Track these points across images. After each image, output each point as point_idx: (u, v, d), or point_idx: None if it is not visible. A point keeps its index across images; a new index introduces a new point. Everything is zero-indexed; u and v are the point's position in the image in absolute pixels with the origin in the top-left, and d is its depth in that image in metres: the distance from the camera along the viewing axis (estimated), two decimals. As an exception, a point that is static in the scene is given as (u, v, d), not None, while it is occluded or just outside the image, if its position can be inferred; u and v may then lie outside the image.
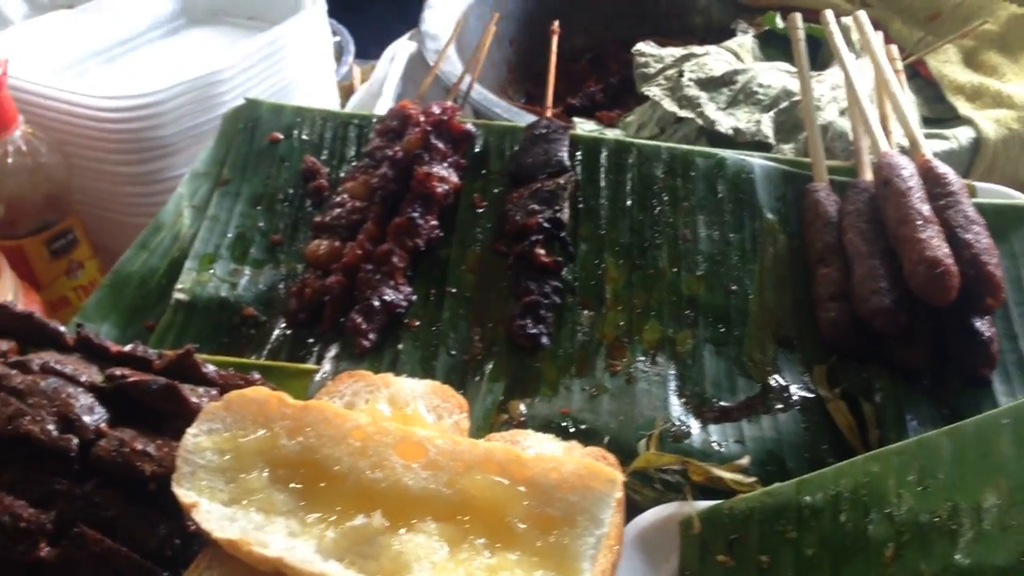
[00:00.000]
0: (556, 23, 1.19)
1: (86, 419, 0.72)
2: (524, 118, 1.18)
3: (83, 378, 0.76)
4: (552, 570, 0.63)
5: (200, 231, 1.04)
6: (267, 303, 0.99)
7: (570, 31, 1.15)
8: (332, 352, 0.93)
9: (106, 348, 0.80)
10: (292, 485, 0.68)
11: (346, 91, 1.55)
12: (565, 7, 1.74)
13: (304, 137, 1.14)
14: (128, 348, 0.81)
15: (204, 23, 1.45)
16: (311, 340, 0.95)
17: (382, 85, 1.46)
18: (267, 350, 0.94)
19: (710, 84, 1.29)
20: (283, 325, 0.97)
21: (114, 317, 0.96)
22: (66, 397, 0.73)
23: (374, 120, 1.13)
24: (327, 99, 1.42)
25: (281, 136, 1.13)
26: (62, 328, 0.82)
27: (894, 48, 1.19)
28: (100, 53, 1.34)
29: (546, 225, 0.97)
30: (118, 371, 0.77)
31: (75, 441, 0.71)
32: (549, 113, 1.09)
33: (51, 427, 0.70)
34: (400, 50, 1.53)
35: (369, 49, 1.67)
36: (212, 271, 1.00)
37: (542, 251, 0.95)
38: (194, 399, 0.75)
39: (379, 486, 0.67)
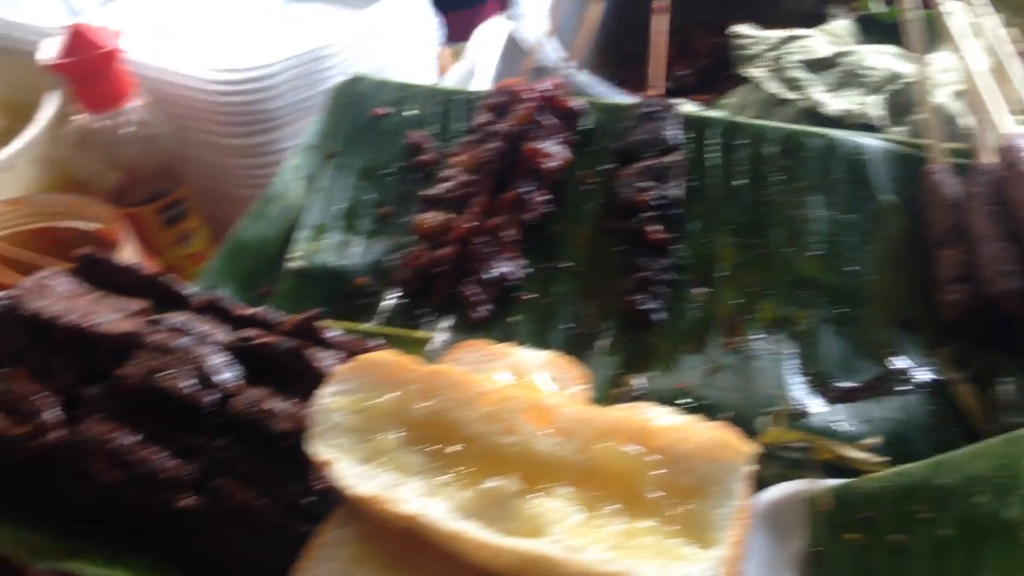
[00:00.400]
0: (662, 1, 1.18)
1: (221, 376, 0.74)
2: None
3: (215, 338, 0.78)
4: (687, 537, 0.63)
5: (311, 202, 1.05)
6: (378, 273, 1.00)
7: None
8: (445, 323, 0.94)
9: (232, 310, 0.82)
10: (423, 447, 0.69)
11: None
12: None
13: (409, 112, 1.14)
14: (253, 311, 0.82)
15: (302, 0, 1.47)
16: (423, 311, 0.96)
17: (476, 65, 1.46)
18: (381, 318, 0.95)
19: (815, 66, 1.28)
20: (394, 295, 0.98)
21: (231, 283, 0.98)
22: (201, 355, 0.74)
23: (480, 96, 1.14)
24: (425, 77, 1.43)
25: (387, 111, 1.14)
26: (187, 289, 0.84)
27: (1012, 32, 1.17)
28: (201, 28, 1.36)
29: (657, 203, 0.97)
30: (246, 332, 0.79)
31: (211, 397, 0.72)
32: (654, 92, 1.09)
33: (189, 383, 0.72)
34: (494, 31, 1.53)
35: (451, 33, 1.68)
36: (324, 241, 1.02)
37: (653, 228, 0.95)
38: (319, 362, 0.76)
39: (510, 451, 0.67)
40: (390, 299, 0.97)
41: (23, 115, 1.33)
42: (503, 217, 0.97)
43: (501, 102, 1.09)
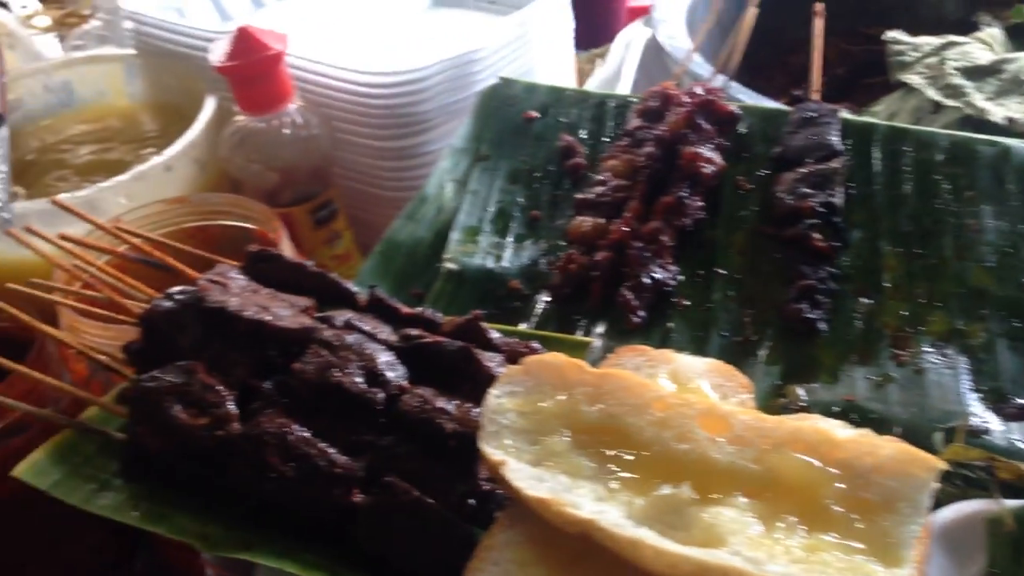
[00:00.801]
0: (821, 5, 1.16)
1: (389, 374, 0.74)
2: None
3: (381, 336, 0.79)
4: (872, 555, 0.61)
5: (463, 204, 1.06)
6: (530, 276, 1.00)
7: (789, 23, 1.12)
8: (600, 328, 0.94)
9: (397, 309, 0.83)
10: (594, 451, 0.68)
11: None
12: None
13: (559, 116, 1.14)
14: (418, 311, 0.83)
15: (447, 4, 1.48)
16: (577, 315, 0.95)
17: (619, 69, 1.46)
18: (533, 322, 0.95)
19: (976, 73, 1.23)
20: (547, 299, 0.97)
21: (385, 284, 0.99)
22: (370, 352, 0.75)
23: (631, 100, 1.13)
24: (566, 81, 1.43)
25: (537, 114, 1.14)
26: (353, 288, 0.85)
27: None
28: (348, 32, 1.38)
29: (820, 209, 0.94)
30: (413, 331, 0.79)
31: (382, 394, 0.73)
32: (816, 96, 1.06)
33: (359, 380, 0.73)
34: (635, 36, 1.53)
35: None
36: (477, 243, 1.02)
37: (817, 235, 0.93)
38: (487, 362, 0.76)
39: (685, 458, 0.66)
40: (543, 302, 0.97)
41: (176, 116, 1.38)
42: (658, 222, 0.96)
43: (655, 107, 1.07)
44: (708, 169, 0.99)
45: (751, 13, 1.13)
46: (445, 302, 0.97)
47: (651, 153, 1.01)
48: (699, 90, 1.06)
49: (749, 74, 1.78)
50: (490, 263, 1.00)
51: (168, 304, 0.76)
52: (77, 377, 0.98)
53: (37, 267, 0.96)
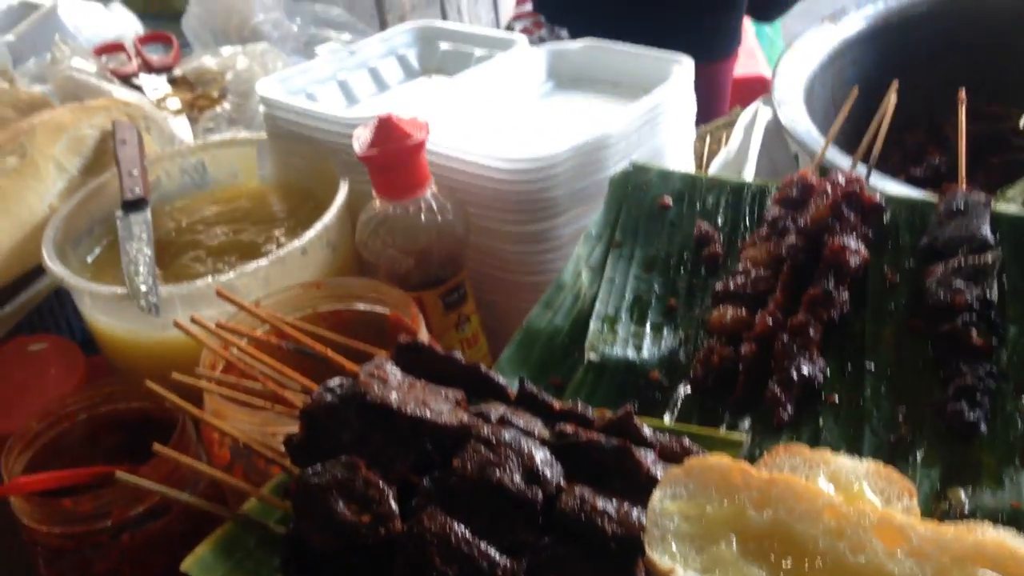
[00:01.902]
0: (963, 92, 1.14)
1: (547, 473, 0.74)
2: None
3: (534, 431, 0.78)
4: None
5: (600, 292, 1.06)
6: (670, 367, 0.99)
7: (904, 98, 1.11)
8: (744, 423, 0.92)
9: (549, 404, 0.83)
10: (763, 560, 0.66)
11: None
12: (900, 72, 1.68)
13: (694, 202, 1.14)
14: (569, 405, 0.83)
15: (570, 88, 1.50)
16: (719, 408, 0.94)
17: (741, 151, 1.46)
18: (675, 415, 0.94)
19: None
20: (687, 390, 0.96)
21: (525, 372, 0.99)
22: (527, 450, 0.75)
23: (768, 187, 1.12)
24: (687, 162, 1.43)
25: (671, 202, 1.14)
26: (503, 381, 0.85)
27: None
28: (474, 116, 1.40)
29: (975, 304, 0.91)
30: (567, 427, 0.79)
31: (540, 494, 0.72)
32: (964, 186, 1.04)
33: (517, 478, 0.72)
34: (756, 116, 1.53)
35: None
36: (615, 332, 1.02)
37: (973, 331, 0.90)
38: (646, 462, 0.75)
39: (861, 570, 0.64)
40: (683, 394, 0.96)
41: (304, 197, 1.41)
42: (805, 315, 0.95)
43: (794, 195, 1.06)
44: (854, 261, 0.97)
45: (891, 100, 1.12)
46: (586, 392, 0.96)
47: (793, 244, 1.00)
48: (840, 178, 1.05)
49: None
50: (630, 353, 1.00)
51: (329, 398, 0.77)
52: (219, 462, 0.99)
53: (185, 348, 0.99)
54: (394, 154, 1.08)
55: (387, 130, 1.09)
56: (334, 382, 0.78)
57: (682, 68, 1.36)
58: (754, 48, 3.00)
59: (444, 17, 3.93)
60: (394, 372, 0.80)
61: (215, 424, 0.83)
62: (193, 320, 0.86)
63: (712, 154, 1.63)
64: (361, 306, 1.13)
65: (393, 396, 0.76)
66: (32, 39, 1.94)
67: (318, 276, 1.21)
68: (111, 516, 0.98)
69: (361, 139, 1.10)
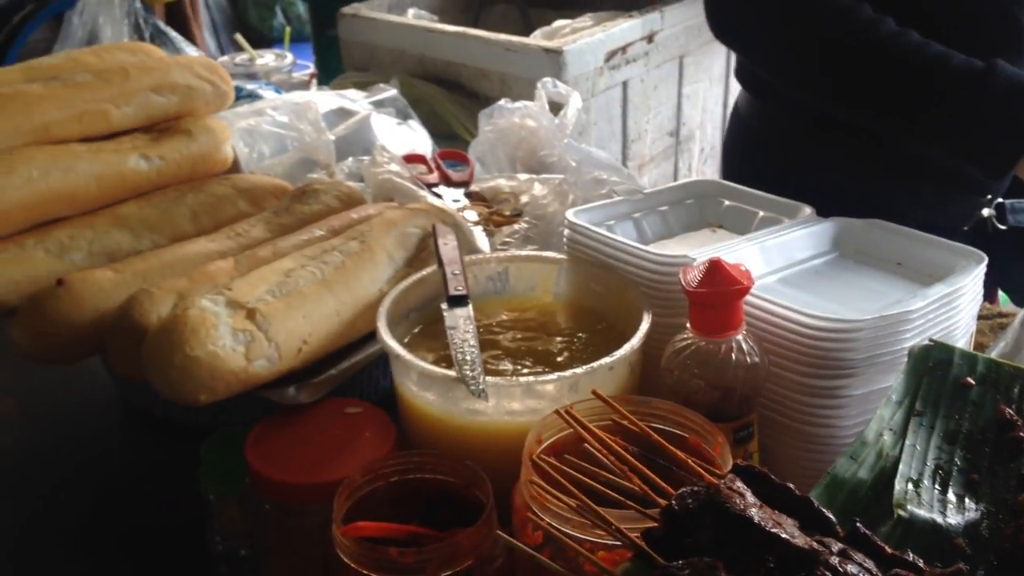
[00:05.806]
0: None
1: (890, 613, 0.79)
2: None
3: (872, 571, 0.84)
4: None
5: (903, 455, 1.11)
6: (974, 537, 1.02)
7: None
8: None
9: (881, 547, 0.88)
10: None
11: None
12: None
13: (995, 387, 1.19)
14: (900, 552, 0.88)
15: (853, 259, 1.58)
16: (1026, 586, 0.97)
17: (1020, 346, 1.49)
18: (985, 583, 0.98)
19: None
20: (994, 562, 0.99)
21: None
22: (870, 587, 0.80)
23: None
24: (965, 343, 1.47)
25: (973, 383, 1.19)
26: (833, 518, 0.92)
27: None
28: (768, 272, 1.50)
29: None
30: (904, 573, 0.84)
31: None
32: None
33: (867, 614, 0.78)
34: (1036, 316, 1.56)
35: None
36: (920, 495, 1.07)
37: None
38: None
39: None
40: (990, 565, 0.99)
41: (593, 319, 1.53)
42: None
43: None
44: None
45: None
46: (893, 545, 1.01)
47: (1111, 441, 1.03)
48: None
49: None
50: (935, 516, 1.04)
51: (691, 502, 0.85)
52: (531, 542, 1.08)
53: (482, 433, 1.17)
54: (721, 296, 1.19)
55: (716, 273, 1.19)
56: (694, 490, 0.87)
57: (978, 265, 1.42)
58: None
59: (676, 170, 4.13)
60: (746, 490, 0.88)
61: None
62: (569, 413, 0.96)
63: (978, 346, 1.66)
64: (662, 426, 1.21)
65: (753, 512, 0.83)
66: (348, 141, 2.18)
67: (616, 392, 1.31)
68: (425, 572, 1.08)
69: (690, 276, 1.21)
